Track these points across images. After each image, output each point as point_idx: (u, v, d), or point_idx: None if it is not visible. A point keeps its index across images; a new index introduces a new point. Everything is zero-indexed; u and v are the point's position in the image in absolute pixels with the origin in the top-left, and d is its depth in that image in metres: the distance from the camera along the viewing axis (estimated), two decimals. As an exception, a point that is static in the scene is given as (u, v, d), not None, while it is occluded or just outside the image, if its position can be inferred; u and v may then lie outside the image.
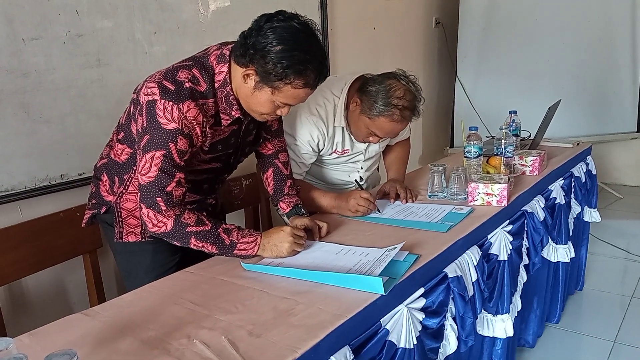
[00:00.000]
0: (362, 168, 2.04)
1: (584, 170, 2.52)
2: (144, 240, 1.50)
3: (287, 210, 1.67)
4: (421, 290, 1.33)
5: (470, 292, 1.53)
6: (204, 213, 1.59)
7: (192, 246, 1.33)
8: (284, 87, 1.28)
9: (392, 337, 1.20)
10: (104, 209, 1.53)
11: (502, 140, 1.96)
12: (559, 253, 2.09)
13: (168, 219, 1.30)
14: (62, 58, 1.85)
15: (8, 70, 1.73)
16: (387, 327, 1.20)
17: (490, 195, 1.76)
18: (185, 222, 1.31)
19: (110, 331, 1.09)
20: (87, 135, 1.93)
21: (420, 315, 1.31)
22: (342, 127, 1.88)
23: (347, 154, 1.96)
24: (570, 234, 2.29)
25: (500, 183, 1.76)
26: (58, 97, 1.86)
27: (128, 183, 1.47)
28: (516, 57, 3.92)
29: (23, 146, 1.80)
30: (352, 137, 1.91)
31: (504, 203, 1.76)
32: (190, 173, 1.43)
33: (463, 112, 3.94)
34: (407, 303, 1.27)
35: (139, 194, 1.32)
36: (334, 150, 1.92)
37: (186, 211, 1.32)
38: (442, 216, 1.68)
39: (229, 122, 1.40)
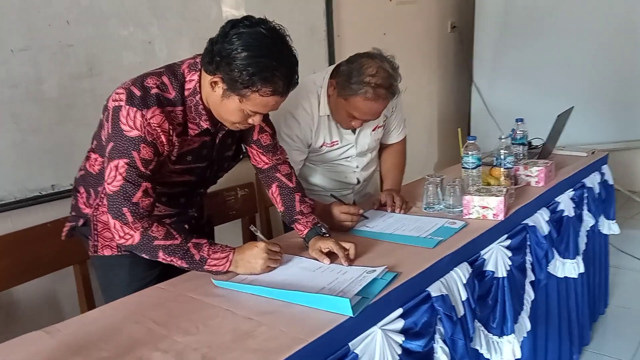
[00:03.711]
0: (357, 167, 1.98)
1: (599, 181, 2.38)
2: (120, 254, 1.47)
3: (305, 232, 1.49)
4: (399, 311, 1.25)
5: (460, 312, 1.44)
6: (185, 226, 1.57)
7: (160, 260, 1.29)
8: (252, 95, 1.23)
9: (362, 362, 1.13)
10: (81, 222, 1.50)
11: (502, 151, 1.86)
12: (566, 268, 1.97)
13: (135, 232, 1.26)
14: (52, 68, 1.85)
15: (-4, 81, 1.73)
16: (357, 351, 1.12)
17: (485, 208, 1.67)
18: (153, 235, 1.26)
19: (65, 350, 1.06)
20: (78, 145, 1.91)
21: (399, 338, 1.23)
22: (327, 116, 1.84)
23: (337, 146, 1.91)
24: (583, 248, 2.17)
25: (497, 196, 1.67)
26: (48, 107, 1.86)
27: (102, 195, 1.43)
28: (534, 60, 3.78)
29: (12, 156, 1.80)
30: (338, 126, 1.87)
31: (501, 217, 1.67)
32: (164, 185, 1.40)
33: (480, 118, 3.83)
34: (382, 325, 1.20)
35: (107, 203, 1.29)
36: (323, 142, 1.88)
37: (154, 224, 1.28)
38: (433, 230, 1.60)
39: (197, 132, 1.36)
